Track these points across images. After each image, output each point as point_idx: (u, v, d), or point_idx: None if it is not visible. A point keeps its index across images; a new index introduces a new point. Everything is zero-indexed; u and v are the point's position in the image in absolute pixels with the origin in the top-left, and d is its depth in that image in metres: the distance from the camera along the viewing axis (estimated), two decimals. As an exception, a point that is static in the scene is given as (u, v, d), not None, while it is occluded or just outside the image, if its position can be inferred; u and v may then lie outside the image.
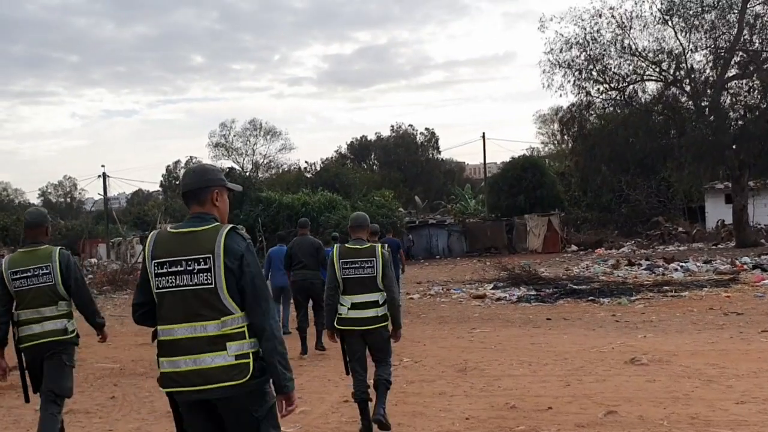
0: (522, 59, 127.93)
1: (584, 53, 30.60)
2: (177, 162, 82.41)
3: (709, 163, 30.99)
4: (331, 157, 71.91)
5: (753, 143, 29.49)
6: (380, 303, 6.04)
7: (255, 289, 3.28)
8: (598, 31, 30.36)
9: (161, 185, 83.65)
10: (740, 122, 30.08)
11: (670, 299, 15.02)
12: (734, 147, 29.91)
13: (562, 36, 30.85)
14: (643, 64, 31.09)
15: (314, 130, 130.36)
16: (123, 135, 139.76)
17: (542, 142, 70.73)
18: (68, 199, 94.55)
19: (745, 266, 20.65)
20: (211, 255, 3.23)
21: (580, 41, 30.47)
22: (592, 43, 30.46)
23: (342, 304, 6.06)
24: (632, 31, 30.48)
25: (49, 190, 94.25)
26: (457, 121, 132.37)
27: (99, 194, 61.38)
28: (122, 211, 70.34)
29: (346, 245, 6.20)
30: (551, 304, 15.51)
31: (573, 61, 30.84)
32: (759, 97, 29.54)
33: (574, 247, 35.33)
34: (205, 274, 3.24)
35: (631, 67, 30.95)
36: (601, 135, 31.31)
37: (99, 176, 56.75)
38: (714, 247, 31.00)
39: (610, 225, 39.28)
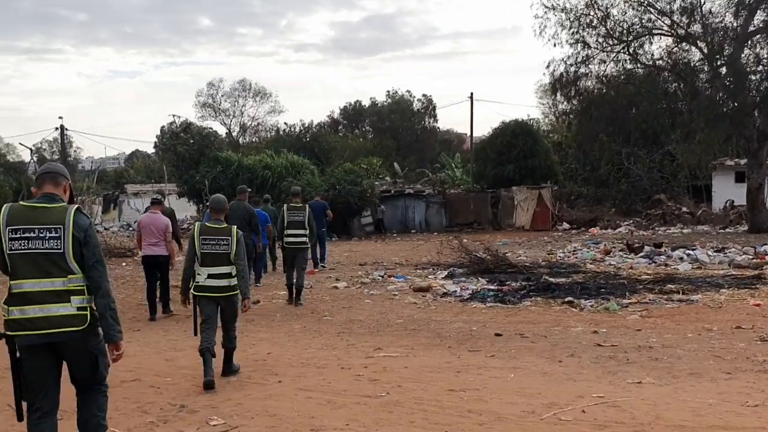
0: (528, 33, 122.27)
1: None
2: (171, 123, 79.08)
3: (724, 131, 26.40)
4: (322, 122, 67.60)
5: (777, 111, 25.02)
6: (232, 275, 6.99)
7: (95, 255, 4.13)
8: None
9: (155, 146, 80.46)
10: (763, 85, 25.45)
11: (676, 305, 10.85)
12: (755, 114, 25.35)
13: None
14: (651, 15, 26.47)
15: (318, 97, 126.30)
16: (127, 96, 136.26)
17: (543, 113, 66.26)
18: (62, 157, 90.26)
19: (769, 257, 16.55)
20: (62, 226, 4.05)
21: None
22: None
23: (199, 274, 6.97)
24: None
25: (43, 147, 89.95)
26: (462, 91, 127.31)
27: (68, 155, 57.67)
28: (120, 172, 68.15)
29: (206, 224, 7.14)
30: (513, 305, 11.36)
31: (570, 3, 26.13)
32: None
33: (566, 225, 31.34)
34: (55, 240, 4.04)
35: (637, 18, 26.22)
36: (601, 94, 26.73)
37: (56, 128, 53.64)
38: (722, 231, 26.80)
39: (607, 202, 34.98)
